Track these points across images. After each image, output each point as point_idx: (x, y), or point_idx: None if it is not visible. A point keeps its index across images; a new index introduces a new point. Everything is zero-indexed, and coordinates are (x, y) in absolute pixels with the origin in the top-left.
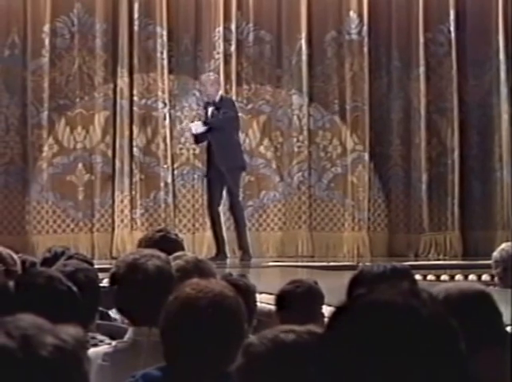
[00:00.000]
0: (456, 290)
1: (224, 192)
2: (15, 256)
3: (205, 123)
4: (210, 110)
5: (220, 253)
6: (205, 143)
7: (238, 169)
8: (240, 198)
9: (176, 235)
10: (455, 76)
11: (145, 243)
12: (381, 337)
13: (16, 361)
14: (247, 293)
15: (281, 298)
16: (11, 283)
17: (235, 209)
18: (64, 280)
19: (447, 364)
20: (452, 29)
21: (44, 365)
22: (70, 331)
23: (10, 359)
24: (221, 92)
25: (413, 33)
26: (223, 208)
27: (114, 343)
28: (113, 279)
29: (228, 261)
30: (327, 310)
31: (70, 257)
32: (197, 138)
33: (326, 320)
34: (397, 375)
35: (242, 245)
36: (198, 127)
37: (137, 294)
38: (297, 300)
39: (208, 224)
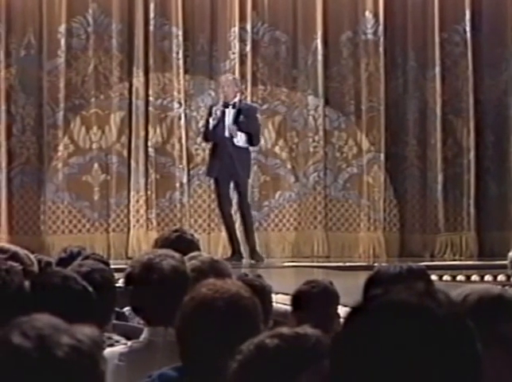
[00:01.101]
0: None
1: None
2: (32, 256)
3: (249, 137)
4: (228, 111)
5: (236, 253)
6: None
7: (248, 177)
8: (249, 198)
9: (192, 235)
10: (470, 76)
11: (161, 243)
12: (396, 338)
13: (31, 361)
14: (263, 293)
15: (297, 299)
16: (27, 283)
17: (244, 209)
18: (79, 280)
19: (462, 365)
20: (468, 29)
21: (60, 366)
22: (86, 331)
23: (26, 359)
24: (239, 96)
25: (428, 33)
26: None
27: (129, 343)
28: (128, 279)
29: (244, 261)
30: (342, 311)
31: (86, 257)
32: (207, 136)
33: (342, 320)
34: (412, 375)
35: (251, 245)
36: (242, 140)
37: (152, 294)
38: (313, 300)
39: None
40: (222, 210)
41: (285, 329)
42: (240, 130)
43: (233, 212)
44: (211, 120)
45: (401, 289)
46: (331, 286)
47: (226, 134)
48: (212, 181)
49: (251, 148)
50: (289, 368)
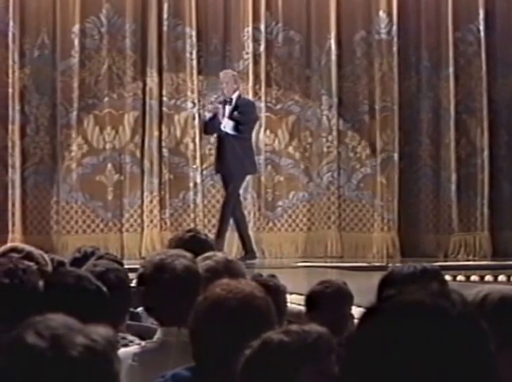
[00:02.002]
0: (499, 292)
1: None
2: (46, 256)
3: (236, 127)
4: (227, 108)
5: (249, 252)
6: (214, 136)
7: (244, 175)
8: (234, 200)
9: (206, 235)
10: (484, 75)
11: (175, 243)
12: (410, 338)
13: (46, 361)
14: (277, 293)
15: (311, 299)
16: (41, 283)
17: (225, 209)
18: (93, 280)
19: (475, 366)
20: (482, 28)
21: (74, 365)
22: (100, 331)
23: (40, 358)
24: (238, 92)
25: (442, 32)
26: (243, 207)
27: (143, 343)
28: (140, 280)
29: (257, 261)
30: (356, 311)
31: (100, 257)
32: (207, 129)
33: (356, 321)
34: (425, 375)
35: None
36: (229, 126)
37: (165, 294)
38: (327, 301)
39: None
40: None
41: (293, 326)
42: (229, 117)
43: (244, 209)
44: (206, 113)
45: (415, 289)
46: (344, 286)
47: (222, 127)
48: (220, 178)
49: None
50: (290, 362)
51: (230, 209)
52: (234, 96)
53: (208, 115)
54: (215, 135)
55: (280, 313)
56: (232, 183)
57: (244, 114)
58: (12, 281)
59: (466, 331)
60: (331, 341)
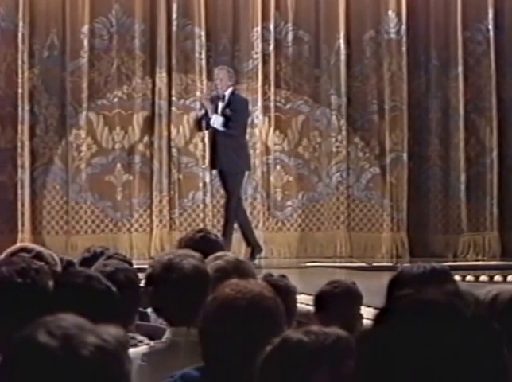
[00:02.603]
0: (509, 292)
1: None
2: (55, 256)
3: (225, 123)
4: (220, 104)
5: (254, 247)
6: (206, 132)
7: (242, 173)
8: (236, 199)
9: (216, 235)
10: (493, 74)
11: (185, 243)
12: (424, 337)
13: (57, 360)
14: (288, 294)
15: (320, 299)
16: (50, 283)
17: (228, 210)
18: (102, 280)
19: (487, 367)
20: (491, 27)
21: (85, 365)
22: (111, 331)
23: (51, 358)
24: (232, 88)
25: (451, 31)
26: (246, 203)
27: (152, 343)
28: (149, 280)
29: (267, 261)
30: (365, 311)
31: (109, 257)
32: (201, 126)
33: (365, 321)
34: (437, 375)
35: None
36: (218, 122)
37: (173, 294)
38: (336, 301)
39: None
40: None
41: (313, 327)
42: (221, 113)
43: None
44: (197, 112)
45: (430, 289)
46: (353, 286)
47: (211, 122)
48: (217, 174)
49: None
50: (308, 362)
51: (234, 208)
52: (228, 93)
53: (200, 113)
54: (205, 132)
55: (289, 314)
56: (229, 180)
57: (235, 112)
58: (24, 280)
59: (479, 332)
60: (351, 345)
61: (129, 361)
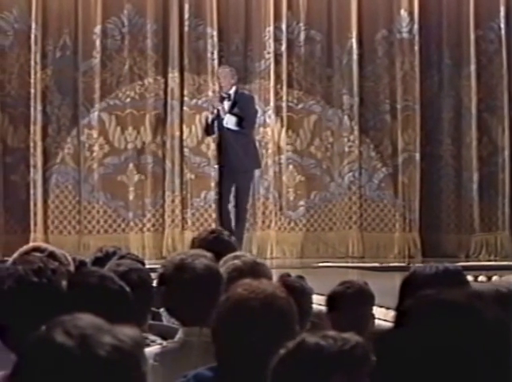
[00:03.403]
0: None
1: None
2: (68, 256)
3: (239, 123)
4: (226, 103)
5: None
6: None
7: (251, 171)
8: (247, 197)
9: (229, 235)
10: (505, 73)
11: (198, 243)
12: (444, 339)
13: (74, 360)
14: (303, 295)
15: (332, 300)
16: (64, 282)
17: (241, 209)
18: (116, 279)
19: (506, 369)
20: (503, 26)
21: (102, 365)
22: (128, 331)
23: (68, 357)
24: (236, 87)
25: (463, 30)
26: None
27: (164, 343)
28: (161, 280)
29: (281, 261)
30: (377, 311)
31: (121, 257)
32: (210, 130)
33: (377, 321)
34: (458, 374)
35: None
36: (231, 122)
37: (186, 294)
38: (348, 301)
39: (259, 224)
40: (220, 205)
41: (331, 332)
42: (232, 113)
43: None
44: (209, 114)
45: (451, 290)
46: (366, 286)
47: (224, 123)
48: (217, 171)
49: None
50: (324, 367)
51: (246, 207)
52: (232, 91)
53: (211, 116)
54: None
55: (303, 315)
56: (239, 178)
57: (245, 110)
58: (40, 280)
59: (498, 335)
60: (368, 351)
61: (145, 362)
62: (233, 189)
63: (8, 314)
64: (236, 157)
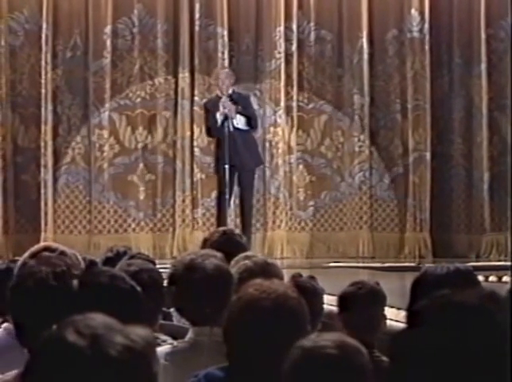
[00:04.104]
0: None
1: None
2: (79, 256)
3: (248, 120)
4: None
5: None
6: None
7: (255, 168)
8: (252, 195)
9: (241, 236)
10: None
11: (210, 243)
12: (455, 341)
13: (85, 359)
14: (314, 295)
15: (343, 300)
16: (75, 282)
17: (247, 208)
18: (127, 279)
19: None
20: None
21: (113, 364)
22: (140, 332)
23: (79, 357)
24: (232, 87)
25: (474, 29)
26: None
27: (175, 343)
28: (171, 280)
29: (291, 261)
30: (388, 312)
31: (132, 256)
32: (213, 132)
33: (388, 321)
34: (470, 375)
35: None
36: (242, 122)
37: (196, 294)
38: (360, 302)
39: (269, 223)
40: (220, 207)
41: (348, 339)
42: (239, 112)
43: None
44: (218, 115)
45: (464, 291)
46: (377, 286)
47: (235, 123)
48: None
49: (255, 133)
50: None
51: (252, 205)
52: (230, 92)
53: (220, 118)
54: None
55: (315, 315)
56: (244, 176)
57: (248, 109)
58: (59, 284)
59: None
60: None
61: (157, 363)
62: (235, 188)
63: (25, 313)
64: (243, 157)
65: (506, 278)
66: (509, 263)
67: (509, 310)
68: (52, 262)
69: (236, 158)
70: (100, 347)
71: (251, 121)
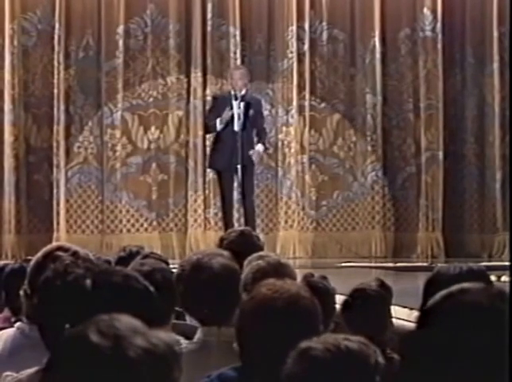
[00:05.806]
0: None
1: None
2: (91, 256)
3: (264, 147)
4: (237, 103)
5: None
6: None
7: (253, 168)
8: (256, 198)
9: (258, 237)
10: None
11: (227, 242)
12: (465, 340)
13: (105, 359)
14: (326, 295)
15: (352, 299)
16: (88, 282)
17: (250, 207)
18: (140, 279)
19: None
20: None
21: (132, 366)
22: (162, 336)
23: (100, 357)
24: (246, 87)
25: (486, 28)
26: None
27: (184, 344)
28: (178, 280)
29: (303, 261)
30: (401, 312)
31: (145, 256)
32: (208, 129)
33: (396, 320)
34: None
35: None
36: (261, 150)
37: (203, 294)
38: (366, 301)
39: (282, 223)
40: (224, 209)
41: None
42: (260, 143)
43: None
44: (225, 113)
45: (473, 290)
46: (383, 285)
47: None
48: (214, 174)
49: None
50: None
51: (254, 198)
52: (244, 92)
53: (220, 126)
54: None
55: (327, 315)
56: (249, 176)
57: (259, 119)
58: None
59: None
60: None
61: (178, 368)
62: (235, 185)
63: (50, 313)
64: (246, 155)
65: None
66: None
67: (509, 310)
68: (79, 264)
69: (244, 157)
70: (121, 348)
71: (260, 133)
